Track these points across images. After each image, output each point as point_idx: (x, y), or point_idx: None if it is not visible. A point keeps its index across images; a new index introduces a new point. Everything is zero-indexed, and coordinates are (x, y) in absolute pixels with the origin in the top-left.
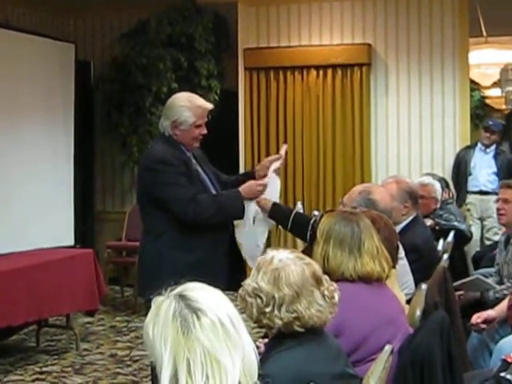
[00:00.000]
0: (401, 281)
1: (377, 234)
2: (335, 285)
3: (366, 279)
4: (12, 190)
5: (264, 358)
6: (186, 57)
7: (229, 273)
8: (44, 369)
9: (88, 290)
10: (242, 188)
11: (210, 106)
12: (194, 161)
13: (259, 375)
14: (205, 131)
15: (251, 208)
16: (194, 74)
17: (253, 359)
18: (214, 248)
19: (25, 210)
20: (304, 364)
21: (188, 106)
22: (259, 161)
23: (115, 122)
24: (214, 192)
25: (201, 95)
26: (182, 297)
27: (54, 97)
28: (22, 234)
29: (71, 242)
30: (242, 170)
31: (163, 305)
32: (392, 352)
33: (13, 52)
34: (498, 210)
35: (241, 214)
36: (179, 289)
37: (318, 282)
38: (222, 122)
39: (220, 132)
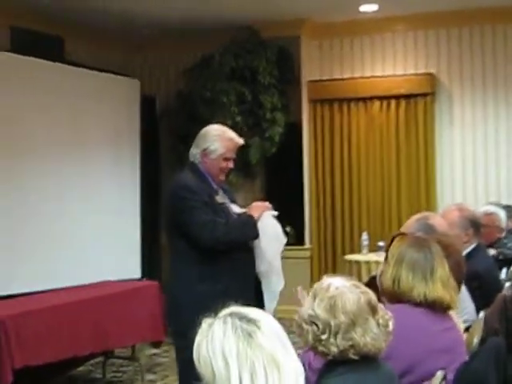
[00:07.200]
0: (460, 307)
1: (446, 262)
2: (390, 313)
3: (433, 305)
4: (79, 222)
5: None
6: (250, 90)
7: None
8: None
9: (153, 322)
10: (248, 208)
11: (241, 141)
12: (220, 194)
13: None
14: (231, 166)
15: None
16: (258, 107)
17: (302, 376)
18: (241, 278)
19: (92, 242)
20: None
21: (220, 137)
22: (324, 192)
23: (181, 155)
24: None
25: (265, 128)
26: (234, 314)
27: (120, 131)
28: (90, 267)
29: (138, 274)
30: (307, 202)
31: (215, 324)
32: (445, 378)
33: (79, 88)
34: None
35: (254, 233)
36: (225, 311)
37: (373, 310)
38: (287, 155)
39: (285, 164)
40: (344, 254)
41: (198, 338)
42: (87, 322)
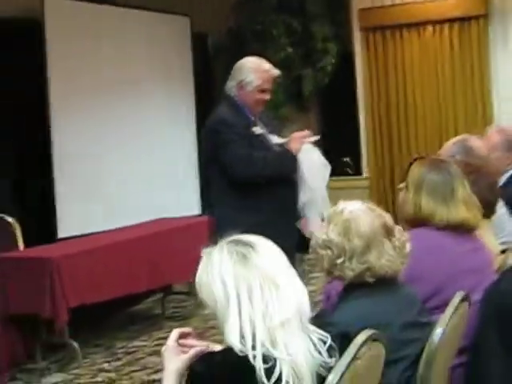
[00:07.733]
0: (498, 228)
1: (467, 182)
2: (407, 235)
3: (457, 227)
4: (137, 161)
5: (334, 308)
6: (299, 21)
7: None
8: (167, 334)
9: None
10: (288, 140)
11: (276, 72)
12: (259, 125)
13: (325, 323)
14: (268, 97)
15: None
16: (308, 38)
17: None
18: (280, 210)
19: (151, 180)
20: (372, 313)
21: (255, 69)
22: (380, 122)
23: None
24: None
25: (317, 59)
26: (232, 241)
27: (173, 70)
28: (150, 205)
29: (198, 211)
30: (363, 132)
31: (213, 252)
32: (467, 299)
33: (129, 29)
34: None
35: (293, 166)
36: (223, 240)
37: (389, 232)
38: (340, 85)
39: (339, 95)
40: (402, 182)
41: (199, 269)
42: (143, 259)
